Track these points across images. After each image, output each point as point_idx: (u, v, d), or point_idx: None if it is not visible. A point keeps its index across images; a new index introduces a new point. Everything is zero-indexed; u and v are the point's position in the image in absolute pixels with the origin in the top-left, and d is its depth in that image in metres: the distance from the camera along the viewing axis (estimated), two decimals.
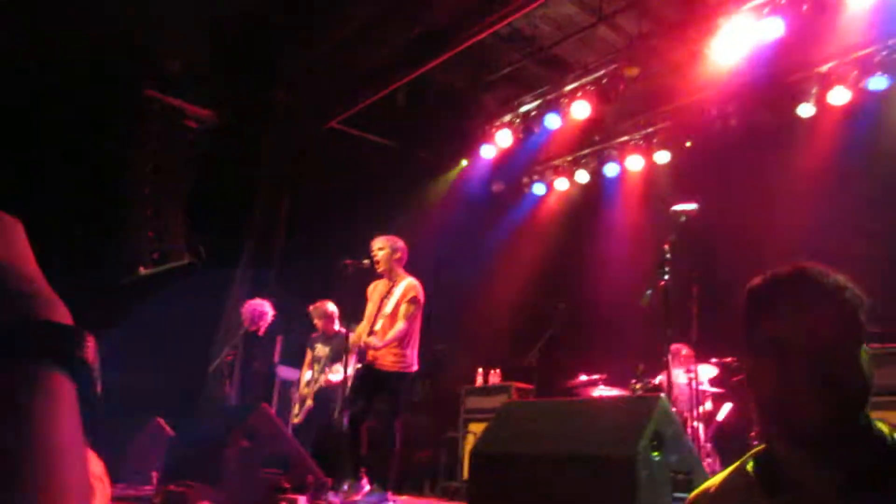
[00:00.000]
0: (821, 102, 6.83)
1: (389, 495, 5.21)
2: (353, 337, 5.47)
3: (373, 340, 5.31)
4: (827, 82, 6.75)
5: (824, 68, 6.78)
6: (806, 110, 6.93)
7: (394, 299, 5.47)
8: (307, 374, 6.49)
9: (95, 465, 3.19)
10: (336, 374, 6.14)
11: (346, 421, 5.30)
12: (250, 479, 4.31)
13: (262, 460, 4.45)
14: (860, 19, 6.21)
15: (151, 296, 6.39)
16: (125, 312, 5.70)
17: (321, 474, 4.60)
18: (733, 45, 6.44)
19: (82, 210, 6.23)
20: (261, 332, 6.45)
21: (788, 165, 7.02)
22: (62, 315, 0.50)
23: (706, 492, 1.24)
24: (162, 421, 5.95)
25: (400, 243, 5.61)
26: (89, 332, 0.50)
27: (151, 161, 7.14)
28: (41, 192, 5.67)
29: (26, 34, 5.70)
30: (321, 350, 6.43)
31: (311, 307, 6.55)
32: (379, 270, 5.56)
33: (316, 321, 6.51)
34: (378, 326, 5.42)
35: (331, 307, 6.50)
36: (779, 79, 7.10)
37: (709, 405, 6.10)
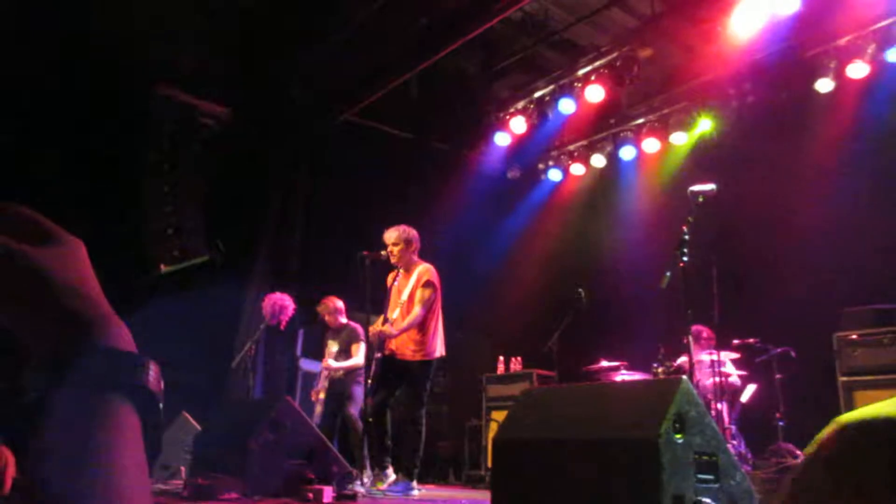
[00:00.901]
0: (840, 77, 6.72)
1: (415, 484, 5.25)
2: (371, 329, 5.49)
3: (388, 329, 5.32)
4: (845, 56, 6.64)
5: (842, 41, 6.66)
6: (824, 85, 6.82)
7: (409, 286, 5.48)
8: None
9: None
10: (336, 361, 6.26)
11: (356, 413, 5.35)
12: (276, 471, 4.36)
13: (286, 452, 4.50)
14: None
15: (174, 293, 6.46)
16: (149, 310, 5.77)
17: (346, 464, 4.65)
18: (748, 21, 6.35)
19: (101, 209, 6.30)
20: (282, 326, 6.50)
21: (807, 142, 6.93)
22: (126, 340, 0.50)
23: (870, 423, 0.90)
24: (188, 415, 6.03)
25: (413, 233, 5.61)
26: (153, 359, 0.50)
27: (169, 159, 7.20)
28: (59, 193, 5.74)
29: (38, 34, 5.75)
30: (332, 344, 6.50)
31: (318, 307, 6.60)
32: (394, 263, 5.57)
33: (326, 318, 6.56)
34: (395, 314, 5.44)
35: (336, 302, 6.55)
36: (796, 54, 6.99)
37: (732, 386, 6.06)
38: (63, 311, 0.48)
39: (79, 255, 0.52)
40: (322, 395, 6.40)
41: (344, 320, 6.50)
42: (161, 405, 0.50)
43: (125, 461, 0.45)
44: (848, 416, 0.92)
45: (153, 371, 0.50)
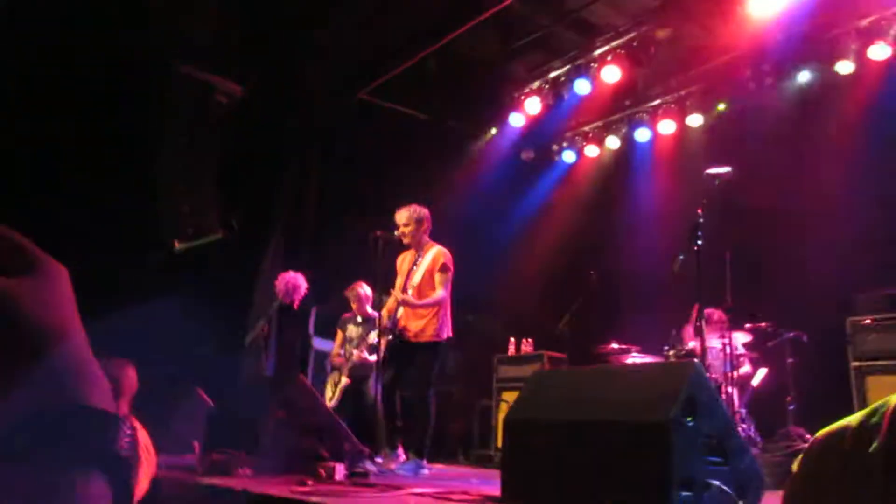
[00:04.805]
0: (860, 59, 6.61)
1: (425, 464, 5.29)
2: (383, 313, 5.51)
3: (408, 297, 5.36)
4: (867, 37, 6.52)
5: (864, 23, 6.55)
6: (845, 67, 6.71)
7: (422, 268, 5.49)
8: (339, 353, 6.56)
9: (142, 436, 3.29)
10: (372, 356, 6.21)
11: (377, 392, 5.37)
12: (288, 448, 4.41)
13: (299, 429, 4.55)
14: None
15: (187, 270, 6.50)
16: (163, 287, 5.81)
17: (358, 442, 4.69)
18: (768, 1, 6.25)
19: (117, 186, 6.33)
20: (295, 305, 6.53)
21: (824, 125, 6.83)
22: (102, 394, 0.45)
23: (832, 432, 0.85)
24: (202, 392, 6.10)
25: (424, 212, 5.61)
26: (131, 420, 0.46)
27: (184, 136, 7.21)
28: (76, 170, 5.77)
29: (55, 12, 5.75)
30: (353, 331, 6.48)
31: (347, 291, 6.57)
32: (406, 243, 5.59)
33: (353, 304, 6.55)
34: (409, 295, 5.46)
35: (364, 289, 6.50)
36: (816, 35, 6.87)
37: (743, 370, 6.05)
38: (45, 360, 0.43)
39: (62, 287, 0.47)
40: (346, 379, 6.34)
41: (370, 310, 6.41)
42: (133, 476, 0.45)
43: None
44: (824, 429, 0.89)
45: (128, 435, 0.44)
